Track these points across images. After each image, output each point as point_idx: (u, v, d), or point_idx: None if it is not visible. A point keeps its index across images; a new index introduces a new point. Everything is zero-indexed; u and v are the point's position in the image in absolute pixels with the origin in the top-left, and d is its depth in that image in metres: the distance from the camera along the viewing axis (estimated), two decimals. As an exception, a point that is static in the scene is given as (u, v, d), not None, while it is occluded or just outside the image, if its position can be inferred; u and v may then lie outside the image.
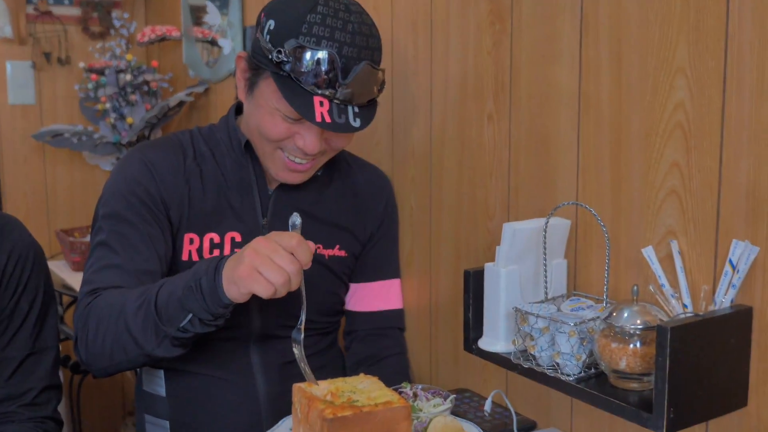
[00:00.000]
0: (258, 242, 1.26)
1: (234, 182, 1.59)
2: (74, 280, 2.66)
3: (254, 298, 1.56)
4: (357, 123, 1.43)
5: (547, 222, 1.35)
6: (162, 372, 1.62)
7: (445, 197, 1.72)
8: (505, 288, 1.37)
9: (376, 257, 1.75)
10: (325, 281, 1.66)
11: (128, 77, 2.92)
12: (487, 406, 1.50)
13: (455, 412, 1.48)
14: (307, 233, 1.59)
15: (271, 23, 1.43)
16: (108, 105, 2.93)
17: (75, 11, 3.22)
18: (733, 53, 1.14)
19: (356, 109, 1.43)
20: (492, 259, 1.41)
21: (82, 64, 3.01)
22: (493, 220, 1.60)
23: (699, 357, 1.11)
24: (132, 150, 1.61)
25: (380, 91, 1.48)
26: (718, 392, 1.15)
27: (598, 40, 1.34)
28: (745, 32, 1.12)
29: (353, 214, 1.69)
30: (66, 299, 2.80)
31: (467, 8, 1.61)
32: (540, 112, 1.47)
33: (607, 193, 1.35)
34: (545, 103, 1.46)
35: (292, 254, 1.25)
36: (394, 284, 1.80)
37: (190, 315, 1.31)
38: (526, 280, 1.40)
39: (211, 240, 1.55)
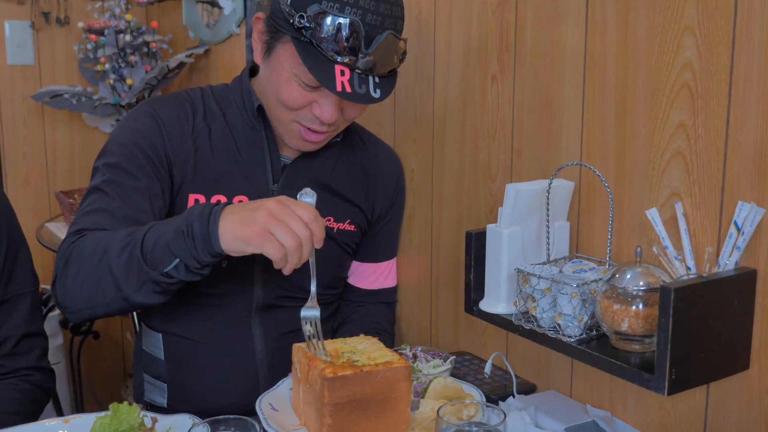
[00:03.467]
0: (273, 204, 1.23)
1: (245, 145, 1.56)
2: (74, 241, 2.65)
3: (257, 267, 1.55)
4: (377, 94, 1.39)
5: (551, 183, 1.33)
6: (160, 336, 1.61)
7: (447, 159, 1.71)
8: (507, 249, 1.36)
9: (382, 239, 1.75)
10: (332, 254, 1.64)
11: (128, 38, 2.89)
12: (487, 368, 1.50)
13: (455, 375, 1.48)
14: (320, 204, 1.59)
15: None
16: (107, 66, 2.90)
17: (74, -30, 3.18)
18: (743, 11, 1.12)
19: (377, 80, 1.40)
20: (494, 221, 1.40)
21: (81, 25, 2.97)
22: (495, 182, 1.58)
23: (702, 319, 1.11)
24: (141, 103, 1.58)
25: (401, 61, 1.44)
26: (720, 355, 1.15)
27: (605, -2, 1.32)
28: (756, -11, 1.10)
29: (364, 192, 1.68)
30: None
31: (472, -34, 1.59)
32: (544, 73, 1.45)
33: (611, 155, 1.34)
34: (550, 63, 1.44)
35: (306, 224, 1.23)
36: (393, 263, 1.80)
37: (177, 260, 1.27)
38: (528, 242, 1.39)
39: (218, 202, 1.52)
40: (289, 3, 1.38)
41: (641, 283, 1.17)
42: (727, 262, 1.16)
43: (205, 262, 1.28)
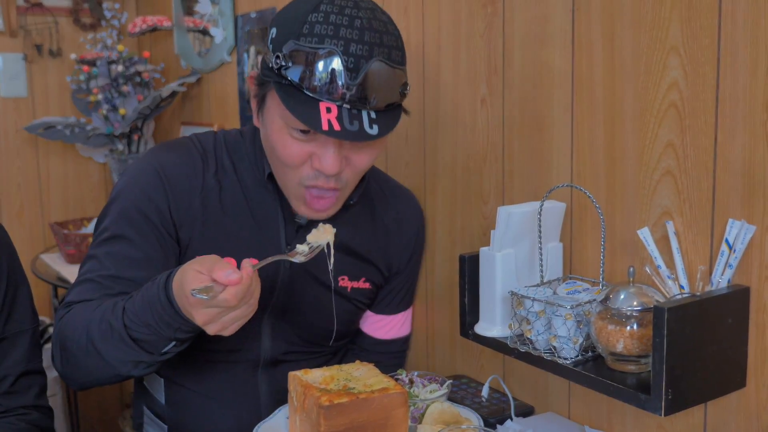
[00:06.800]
0: (201, 314, 1.14)
1: (257, 204, 1.43)
2: (69, 272, 2.65)
3: (266, 323, 1.48)
4: (374, 130, 1.24)
5: (542, 205, 1.34)
6: (162, 381, 1.54)
7: (439, 182, 1.71)
8: (500, 272, 1.36)
9: (399, 291, 1.63)
10: (344, 312, 1.55)
11: (120, 68, 2.90)
12: (485, 391, 1.50)
13: (452, 399, 1.47)
14: (335, 264, 1.44)
15: (274, 31, 1.29)
16: (100, 96, 2.91)
17: (65, 2, 3.20)
18: (727, 30, 1.13)
19: (372, 115, 1.25)
20: (487, 244, 1.40)
21: (73, 56, 2.99)
22: (487, 205, 1.59)
23: (696, 338, 1.11)
24: (149, 154, 1.46)
25: (403, 94, 1.30)
26: (716, 373, 1.14)
27: (591, 20, 1.33)
28: (738, 9, 1.11)
29: (382, 249, 1.56)
30: (61, 291, 2.79)
31: (459, -9, 1.60)
32: (533, 95, 1.46)
33: (601, 175, 1.34)
34: (538, 85, 1.44)
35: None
36: (408, 313, 1.69)
37: (173, 343, 1.24)
38: (521, 264, 1.39)
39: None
40: (270, 48, 1.29)
41: (635, 303, 1.17)
42: (720, 280, 1.16)
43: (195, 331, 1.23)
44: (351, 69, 1.22)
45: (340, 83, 1.22)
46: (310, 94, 1.23)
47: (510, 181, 1.53)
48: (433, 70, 1.69)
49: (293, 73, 1.24)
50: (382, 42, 1.25)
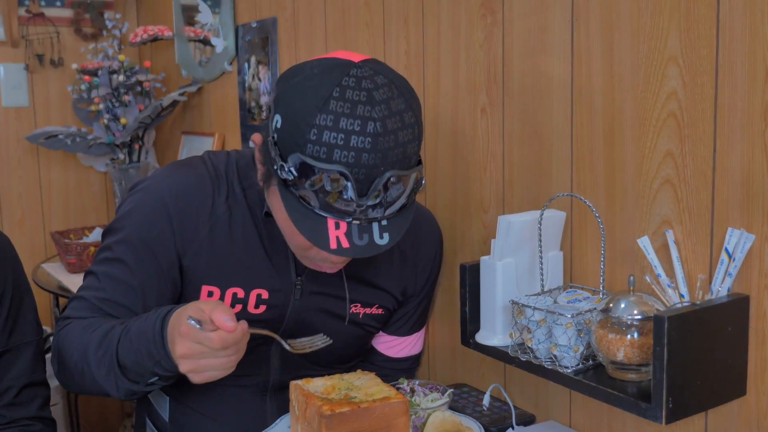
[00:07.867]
0: (183, 345, 1.14)
1: (266, 234, 1.39)
2: (70, 281, 2.65)
3: (276, 349, 1.47)
4: (384, 240, 1.19)
5: (542, 214, 1.34)
6: (168, 399, 1.54)
7: (439, 191, 1.72)
8: (501, 281, 1.37)
9: (413, 314, 1.63)
10: (355, 337, 1.55)
11: (121, 78, 2.91)
12: (486, 400, 1.50)
13: (454, 407, 1.48)
14: (348, 293, 1.47)
15: (278, 119, 1.20)
16: (101, 106, 2.92)
17: (67, 13, 3.21)
18: (725, 40, 1.13)
19: (384, 223, 1.20)
20: (488, 253, 1.41)
21: (74, 66, 3.00)
22: (488, 213, 1.59)
23: (697, 346, 1.11)
24: (159, 175, 1.42)
25: (415, 192, 1.23)
26: (716, 381, 1.15)
27: (590, 30, 1.34)
28: (736, 19, 1.12)
29: (398, 275, 1.55)
30: (62, 301, 2.79)
31: (458, 2, 1.61)
32: (533, 104, 1.46)
33: (601, 184, 1.35)
34: (538, 94, 1.45)
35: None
36: (421, 333, 1.70)
37: (156, 378, 1.24)
38: (522, 273, 1.39)
39: (234, 294, 1.40)
40: (275, 140, 1.21)
41: (635, 312, 1.17)
42: (720, 288, 1.16)
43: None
44: (362, 181, 1.15)
45: (349, 200, 1.16)
46: (318, 212, 1.18)
47: (510, 190, 1.54)
48: (433, 79, 1.70)
49: (299, 187, 1.17)
50: (396, 141, 1.17)
